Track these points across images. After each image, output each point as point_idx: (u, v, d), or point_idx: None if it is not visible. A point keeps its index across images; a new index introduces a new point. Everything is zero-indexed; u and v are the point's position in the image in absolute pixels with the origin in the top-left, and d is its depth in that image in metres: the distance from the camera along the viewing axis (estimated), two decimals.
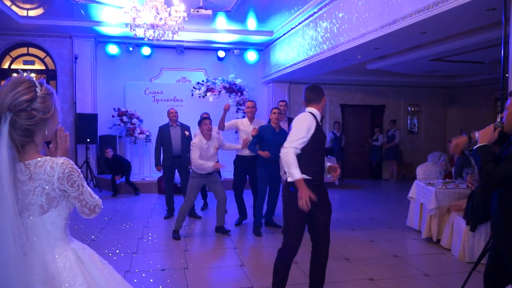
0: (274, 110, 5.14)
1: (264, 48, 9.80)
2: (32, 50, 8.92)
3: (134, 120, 8.37)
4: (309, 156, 2.79)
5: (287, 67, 8.26)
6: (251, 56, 9.88)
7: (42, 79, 1.53)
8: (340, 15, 5.94)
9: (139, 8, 5.63)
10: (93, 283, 1.51)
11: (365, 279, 3.72)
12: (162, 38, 6.03)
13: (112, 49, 9.03)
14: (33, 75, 8.06)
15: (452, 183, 5.21)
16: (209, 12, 6.53)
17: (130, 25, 5.74)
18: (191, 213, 5.92)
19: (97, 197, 1.61)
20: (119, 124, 8.44)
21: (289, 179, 2.79)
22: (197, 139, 4.96)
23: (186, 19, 5.98)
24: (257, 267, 4.06)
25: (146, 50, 9.16)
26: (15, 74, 8.18)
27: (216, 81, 9.09)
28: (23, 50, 8.89)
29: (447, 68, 8.96)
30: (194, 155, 4.85)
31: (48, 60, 8.97)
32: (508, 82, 3.64)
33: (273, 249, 4.54)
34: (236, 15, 7.61)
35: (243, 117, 6.96)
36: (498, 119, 2.19)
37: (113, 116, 8.48)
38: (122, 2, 6.68)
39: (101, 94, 9.02)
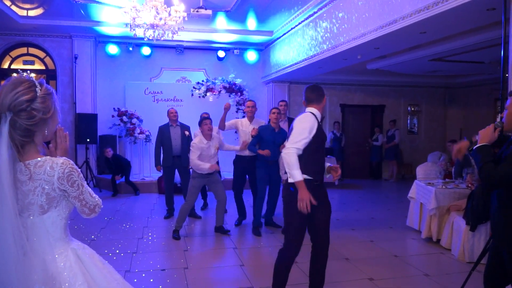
0: (274, 110, 5.15)
1: (264, 48, 9.80)
2: (32, 50, 8.92)
3: (134, 120, 8.37)
4: (309, 156, 2.79)
5: (287, 67, 8.26)
6: (251, 56, 9.88)
7: (42, 79, 1.53)
8: (340, 15, 5.94)
9: (139, 8, 5.63)
10: (93, 283, 1.51)
11: (365, 279, 3.72)
12: (162, 38, 6.03)
13: (112, 49, 9.02)
14: (33, 75, 8.06)
15: (452, 183, 5.21)
16: (209, 12, 6.53)
17: (130, 25, 5.74)
18: (191, 213, 5.92)
19: (97, 196, 1.61)
20: (119, 124, 8.44)
21: (290, 180, 2.79)
22: (197, 140, 4.96)
23: (186, 19, 5.98)
24: (257, 267, 4.06)
25: (146, 50, 9.16)
26: (15, 74, 8.17)
27: (216, 81, 9.09)
28: (23, 50, 8.89)
29: (447, 68, 8.96)
30: (193, 155, 4.86)
31: (48, 60, 8.97)
32: (508, 82, 3.64)
33: (273, 249, 4.54)
34: (236, 15, 7.61)
35: (243, 117, 6.96)
36: (498, 119, 2.19)
37: (113, 116, 8.48)
38: (122, 2, 6.68)
39: (101, 94, 9.02)
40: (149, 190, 8.23)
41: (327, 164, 2.99)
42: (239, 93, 9.12)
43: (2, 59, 8.73)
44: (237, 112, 8.94)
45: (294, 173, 2.70)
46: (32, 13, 7.74)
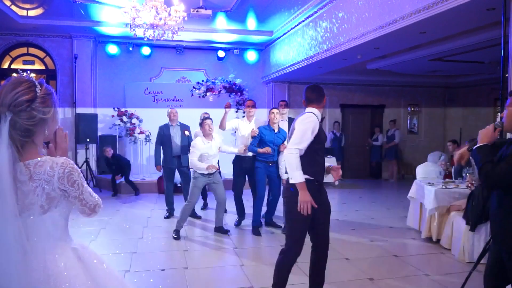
0: (273, 110, 5.14)
1: (264, 48, 9.80)
2: (32, 50, 8.92)
3: (134, 120, 8.38)
4: (310, 157, 2.78)
5: (287, 67, 8.26)
6: (251, 56, 9.88)
7: (42, 79, 1.53)
8: (340, 15, 5.94)
9: (139, 8, 5.64)
10: (93, 283, 1.51)
11: (365, 279, 3.72)
12: (162, 38, 6.03)
13: (112, 49, 9.03)
14: (33, 75, 8.05)
15: (452, 183, 5.21)
16: (209, 12, 6.54)
17: (130, 25, 5.74)
18: (191, 213, 5.91)
19: (97, 196, 1.61)
20: (119, 124, 8.45)
21: (291, 181, 2.79)
22: (198, 140, 4.96)
23: (186, 19, 5.98)
24: (257, 267, 4.05)
25: (146, 50, 9.16)
26: (15, 74, 8.17)
27: (216, 81, 9.08)
28: (23, 50, 8.89)
29: (447, 68, 8.96)
30: (193, 156, 4.86)
31: (48, 60, 8.97)
32: (508, 82, 3.64)
33: (273, 249, 4.54)
34: (236, 15, 7.62)
35: (243, 117, 6.96)
36: (498, 119, 2.19)
37: (113, 116, 8.49)
38: (122, 2, 6.69)
39: (101, 94, 9.02)
40: (149, 190, 8.22)
41: (328, 165, 2.99)
42: (239, 93, 9.11)
43: (2, 59, 8.73)
44: (237, 112, 8.94)
45: (295, 175, 2.69)
46: (32, 13, 7.74)
